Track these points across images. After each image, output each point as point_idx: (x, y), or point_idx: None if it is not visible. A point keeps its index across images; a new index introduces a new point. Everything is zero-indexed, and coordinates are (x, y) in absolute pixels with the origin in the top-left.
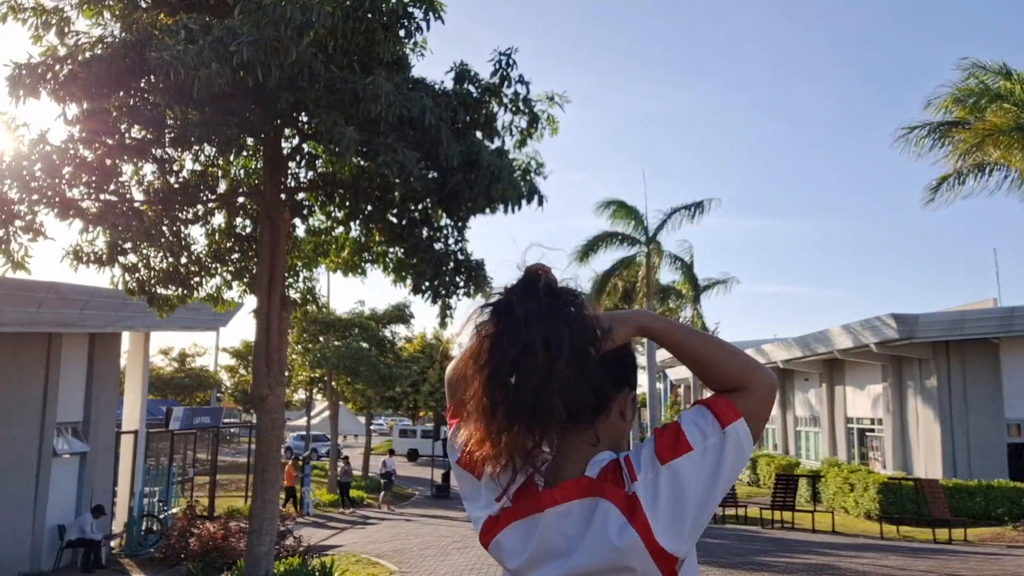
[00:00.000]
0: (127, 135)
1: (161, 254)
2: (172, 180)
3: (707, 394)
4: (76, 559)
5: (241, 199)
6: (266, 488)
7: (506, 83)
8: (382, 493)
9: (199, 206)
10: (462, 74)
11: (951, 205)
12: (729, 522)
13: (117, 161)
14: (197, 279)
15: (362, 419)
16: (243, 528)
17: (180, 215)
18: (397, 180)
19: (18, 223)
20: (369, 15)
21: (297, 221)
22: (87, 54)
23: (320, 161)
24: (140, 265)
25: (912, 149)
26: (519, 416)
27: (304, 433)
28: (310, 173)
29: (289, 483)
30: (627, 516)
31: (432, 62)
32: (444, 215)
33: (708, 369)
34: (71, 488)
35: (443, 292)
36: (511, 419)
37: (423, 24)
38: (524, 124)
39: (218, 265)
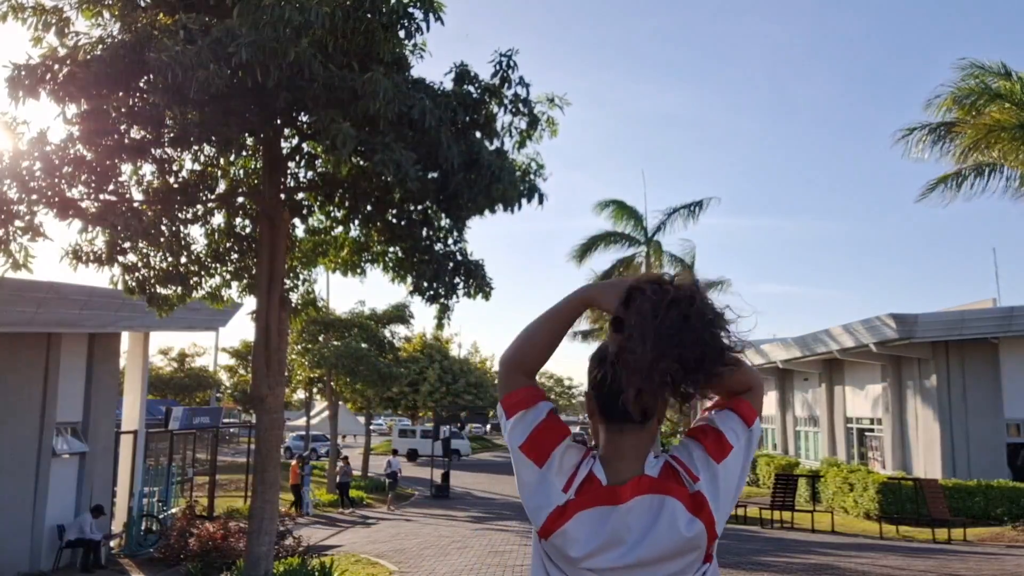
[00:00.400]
0: (126, 135)
1: (160, 254)
2: (171, 180)
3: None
4: (75, 559)
5: (240, 199)
6: (265, 488)
7: (506, 84)
8: (390, 493)
9: (198, 206)
10: (462, 75)
11: (950, 205)
12: (728, 522)
13: (116, 161)
14: (197, 279)
15: (361, 419)
16: (242, 528)
17: (179, 215)
18: (394, 180)
19: (17, 223)
20: (368, 15)
21: (296, 221)
22: (87, 54)
23: (319, 161)
24: (139, 265)
25: (913, 150)
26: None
27: (303, 433)
28: (309, 173)
29: (295, 481)
30: (693, 512)
31: (432, 63)
32: (444, 215)
33: (732, 379)
34: (70, 488)
35: (442, 293)
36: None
37: (423, 25)
38: (524, 125)
39: (218, 265)
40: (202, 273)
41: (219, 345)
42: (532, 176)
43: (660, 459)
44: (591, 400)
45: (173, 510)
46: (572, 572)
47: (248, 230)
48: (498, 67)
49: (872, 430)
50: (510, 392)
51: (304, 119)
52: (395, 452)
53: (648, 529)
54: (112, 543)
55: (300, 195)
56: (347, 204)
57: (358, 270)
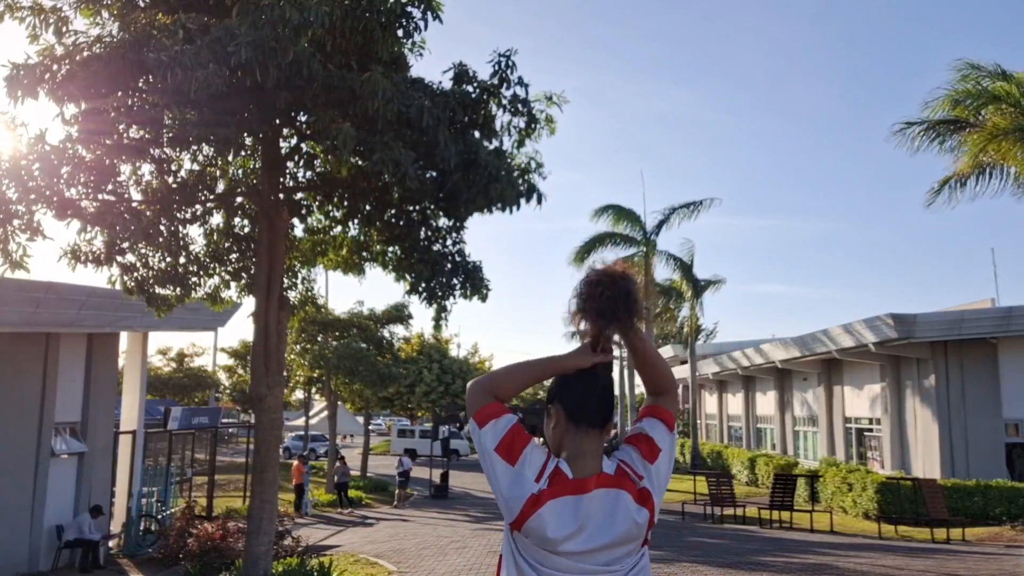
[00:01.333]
0: (125, 135)
1: (159, 254)
2: (170, 180)
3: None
4: (74, 559)
5: (239, 199)
6: (264, 488)
7: (505, 84)
8: (403, 491)
9: (197, 206)
10: (461, 74)
11: (952, 208)
12: (727, 522)
13: (115, 161)
14: (195, 279)
15: (360, 419)
16: (241, 528)
17: (178, 215)
18: (393, 179)
19: (16, 223)
20: (367, 14)
21: (295, 221)
22: (85, 54)
23: (318, 161)
24: (138, 265)
25: (910, 145)
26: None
27: (302, 433)
28: (308, 173)
29: (299, 480)
30: (640, 503)
31: (431, 62)
32: (443, 216)
33: (655, 371)
34: (69, 488)
35: (439, 294)
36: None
37: (421, 24)
38: (522, 125)
39: (216, 265)
40: (201, 273)
41: (218, 345)
42: (531, 174)
43: (613, 460)
44: (558, 410)
45: (172, 510)
46: (545, 557)
47: (247, 230)
48: (497, 67)
49: (871, 430)
50: (481, 407)
51: (303, 119)
52: (406, 451)
53: (608, 517)
54: (111, 543)
55: (299, 195)
56: (346, 204)
57: (358, 269)
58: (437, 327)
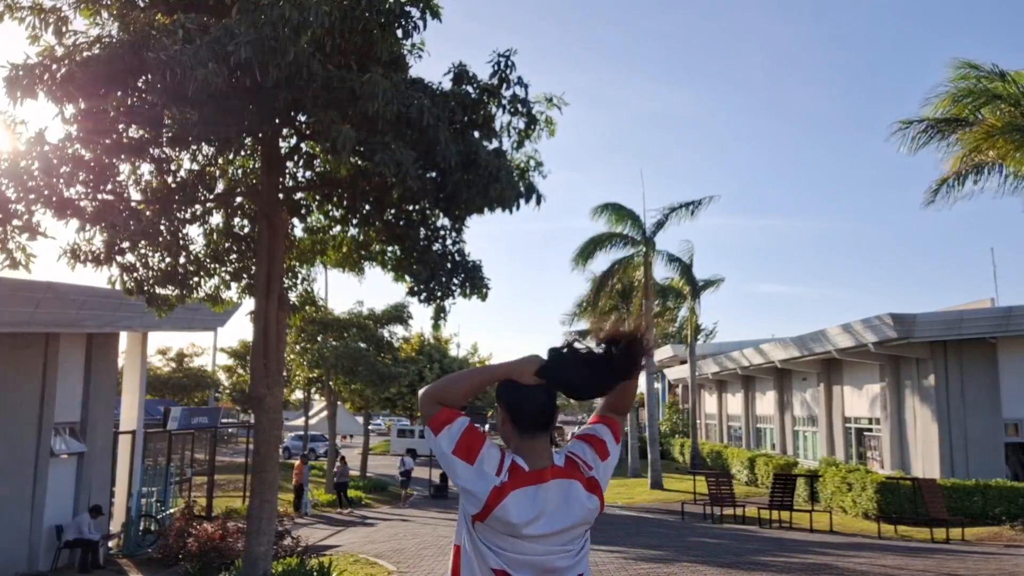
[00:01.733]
0: (125, 134)
1: (159, 254)
2: (170, 179)
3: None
4: (74, 559)
5: (239, 199)
6: (264, 488)
7: (504, 85)
8: (405, 490)
9: (197, 206)
10: (460, 75)
11: (951, 207)
12: (727, 521)
13: (115, 160)
14: (195, 279)
15: (360, 419)
16: (241, 528)
17: (178, 215)
18: (394, 179)
19: (15, 222)
20: (367, 14)
21: (295, 220)
22: (84, 54)
23: (318, 161)
24: (138, 265)
25: (909, 144)
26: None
27: (302, 433)
28: (308, 173)
29: (299, 480)
30: (589, 491)
31: (430, 63)
32: (442, 216)
33: (625, 401)
34: (69, 488)
35: (439, 294)
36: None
37: (420, 24)
38: (522, 125)
39: (216, 265)
40: (201, 273)
41: (217, 345)
42: (530, 174)
43: (561, 453)
44: (507, 419)
45: (171, 510)
46: (507, 542)
47: (247, 230)
48: (496, 67)
49: (871, 430)
50: (434, 415)
51: (303, 119)
52: (408, 451)
53: (563, 504)
54: (110, 543)
55: (299, 195)
56: (345, 204)
57: (357, 268)
58: (436, 327)
